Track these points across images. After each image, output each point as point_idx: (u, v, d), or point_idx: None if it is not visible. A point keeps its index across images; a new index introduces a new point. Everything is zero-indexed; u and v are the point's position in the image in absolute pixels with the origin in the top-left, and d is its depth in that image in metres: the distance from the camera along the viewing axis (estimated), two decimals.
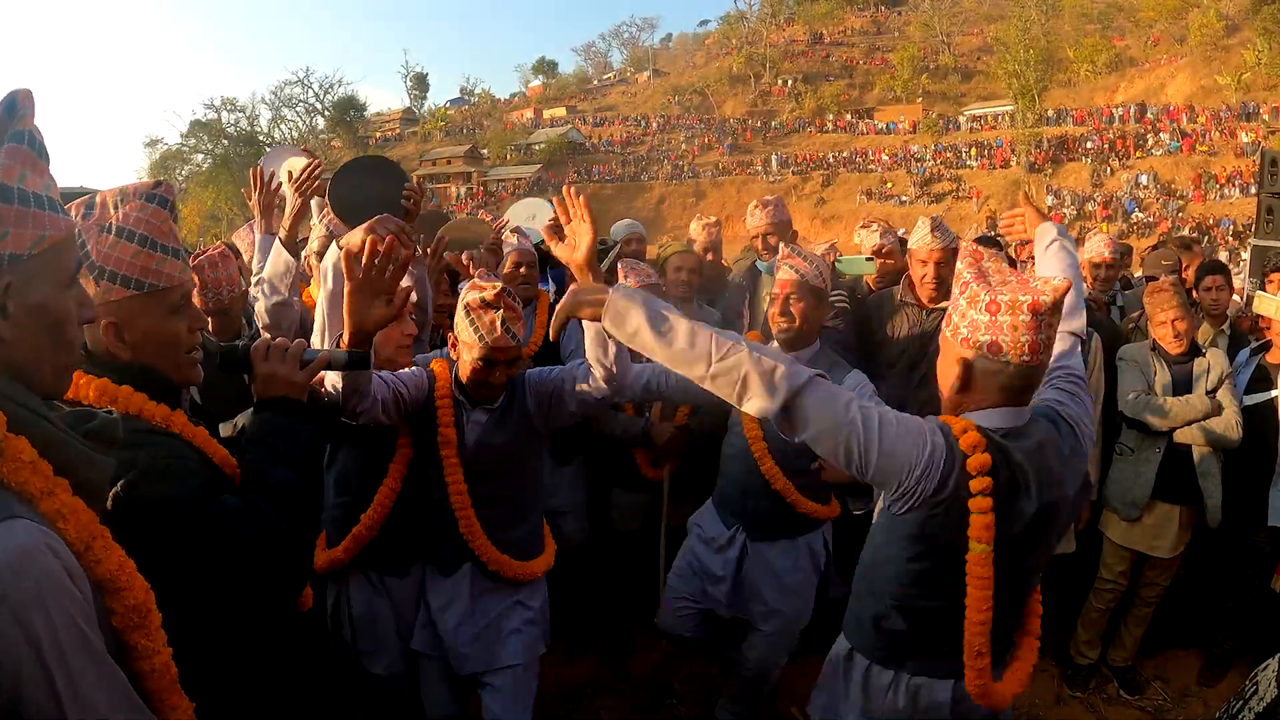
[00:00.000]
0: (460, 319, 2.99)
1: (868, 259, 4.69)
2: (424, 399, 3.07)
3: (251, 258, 4.20)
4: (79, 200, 1.88)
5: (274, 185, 3.98)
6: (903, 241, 5.14)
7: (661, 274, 4.54)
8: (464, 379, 3.08)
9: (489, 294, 2.90)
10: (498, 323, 2.90)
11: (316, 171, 3.70)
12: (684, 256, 4.67)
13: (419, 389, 3.05)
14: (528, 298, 4.38)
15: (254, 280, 3.77)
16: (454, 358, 3.14)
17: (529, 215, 5.88)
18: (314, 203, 4.00)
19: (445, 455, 3.09)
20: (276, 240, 3.56)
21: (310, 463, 2.07)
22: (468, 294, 2.97)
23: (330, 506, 3.25)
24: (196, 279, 3.80)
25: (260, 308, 3.50)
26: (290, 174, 3.79)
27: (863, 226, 5.34)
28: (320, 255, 3.84)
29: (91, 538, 1.34)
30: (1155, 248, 6.75)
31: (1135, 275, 7.02)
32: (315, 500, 2.13)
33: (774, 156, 63.14)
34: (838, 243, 5.59)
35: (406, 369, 3.09)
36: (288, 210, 3.61)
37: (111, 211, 1.85)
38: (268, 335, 3.24)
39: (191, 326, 1.98)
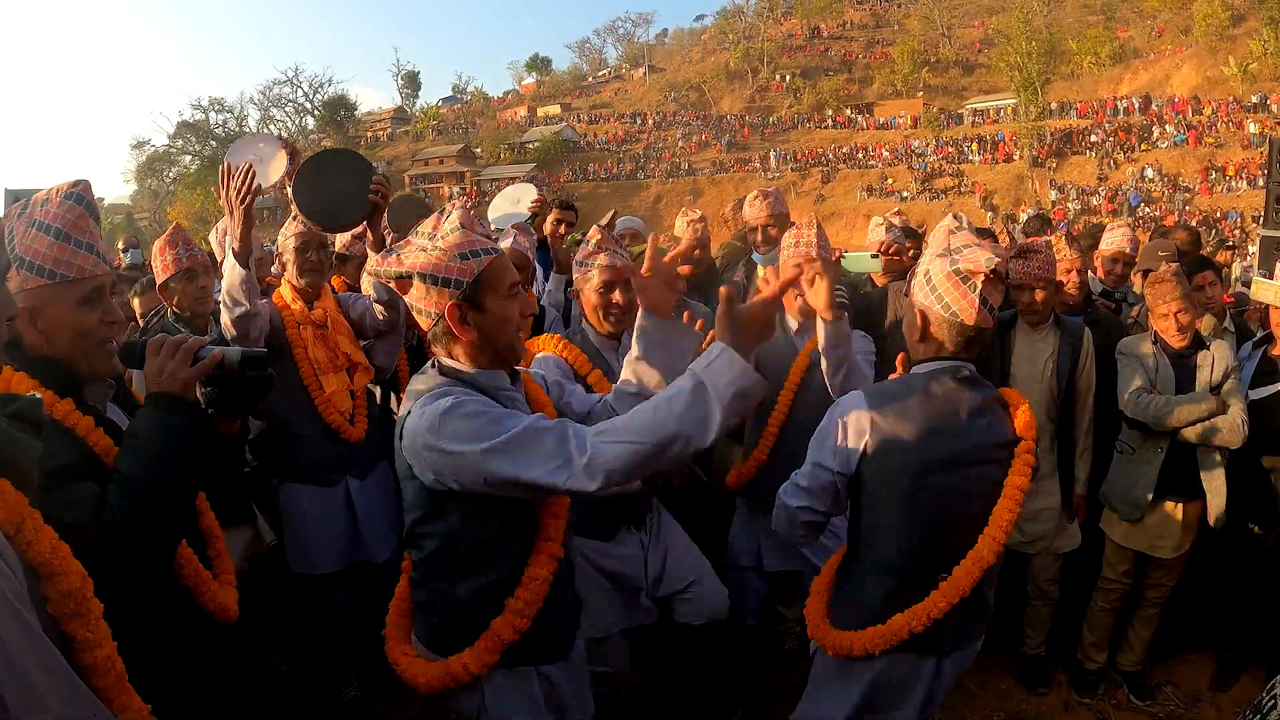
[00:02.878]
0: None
1: (873, 255, 4.48)
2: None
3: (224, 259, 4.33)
4: (20, 202, 2.05)
5: (247, 177, 3.78)
6: (912, 233, 5.37)
7: None
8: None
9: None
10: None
11: (250, 182, 3.41)
12: None
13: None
14: None
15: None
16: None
17: (514, 199, 5.82)
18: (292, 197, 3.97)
19: None
20: (229, 251, 3.43)
21: (179, 461, 2.04)
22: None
23: (443, 597, 2.35)
24: (169, 245, 3.97)
25: (225, 320, 3.42)
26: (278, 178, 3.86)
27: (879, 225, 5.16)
28: (298, 250, 3.89)
29: (21, 519, 1.36)
30: (1152, 237, 6.70)
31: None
32: (179, 498, 2.07)
33: (772, 153, 63.16)
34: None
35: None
36: (234, 224, 3.43)
37: (38, 209, 2.00)
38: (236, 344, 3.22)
39: (104, 319, 2.07)
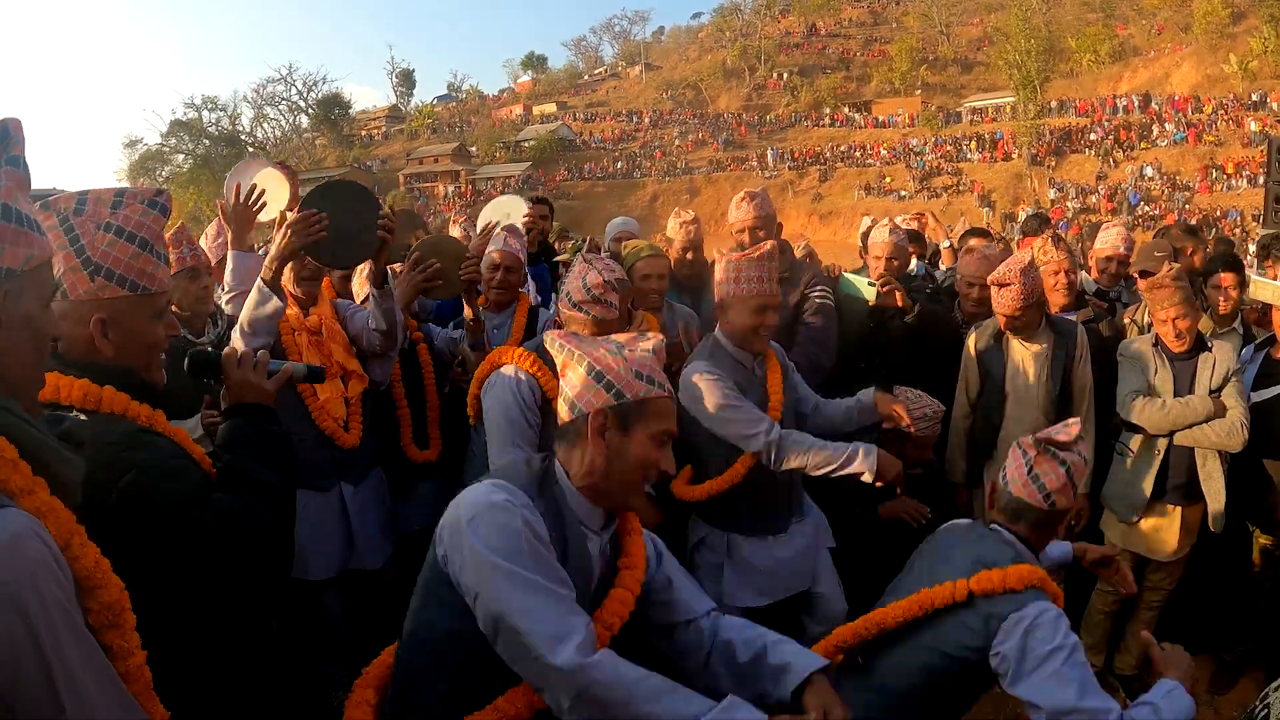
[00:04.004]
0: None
1: (870, 283, 4.57)
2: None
3: (218, 259, 4.40)
4: (66, 195, 1.97)
5: (253, 202, 3.97)
6: (916, 237, 5.61)
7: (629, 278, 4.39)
8: None
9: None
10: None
11: (321, 224, 3.43)
12: (651, 262, 4.38)
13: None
14: (504, 302, 4.42)
15: (226, 299, 3.93)
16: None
17: (504, 214, 5.63)
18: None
19: None
20: (260, 281, 3.42)
21: (288, 464, 2.24)
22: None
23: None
24: (173, 245, 3.84)
25: (240, 348, 3.31)
26: (278, 212, 3.88)
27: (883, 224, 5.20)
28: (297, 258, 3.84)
29: (70, 535, 1.41)
30: (1157, 235, 6.71)
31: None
32: (293, 498, 2.27)
33: (770, 151, 63.07)
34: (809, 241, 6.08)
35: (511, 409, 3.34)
36: (276, 251, 3.43)
37: (108, 211, 1.95)
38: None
39: (168, 332, 2.12)
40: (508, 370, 3.40)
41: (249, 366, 2.25)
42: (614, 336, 2.17)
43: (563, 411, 2.10)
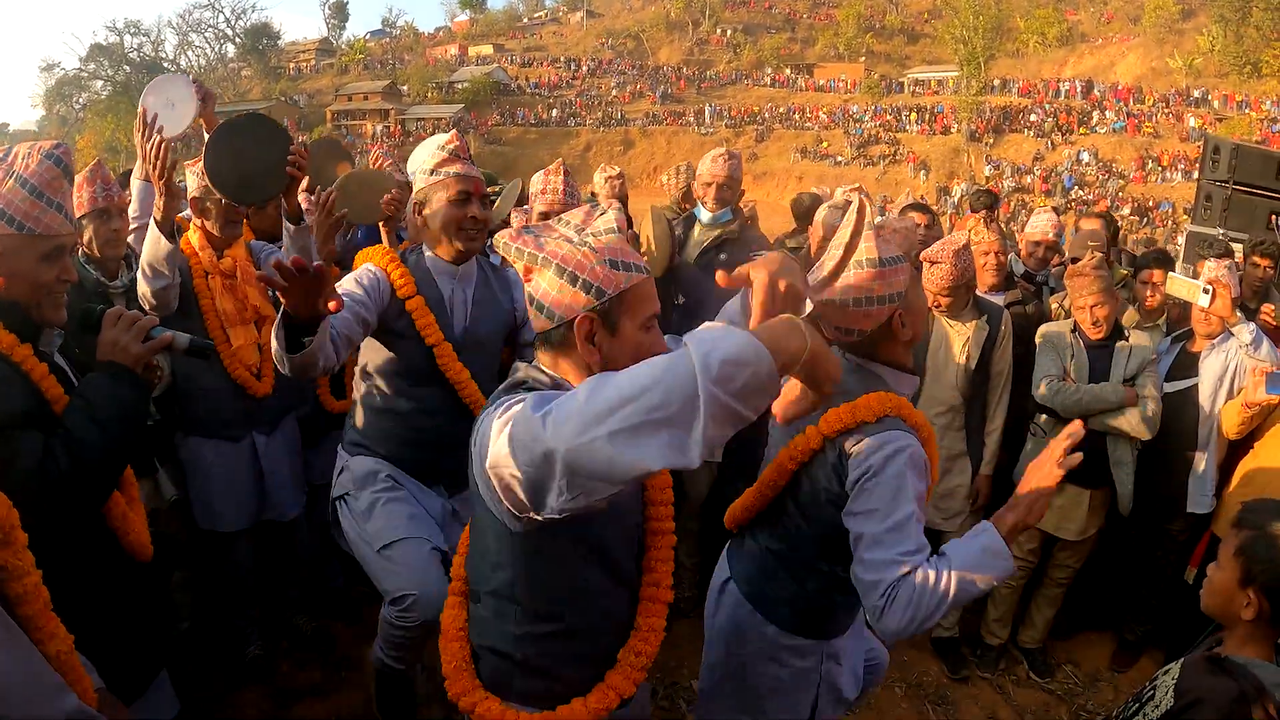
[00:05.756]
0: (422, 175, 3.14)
1: None
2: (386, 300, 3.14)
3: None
4: (4, 149, 2.19)
5: (158, 127, 3.71)
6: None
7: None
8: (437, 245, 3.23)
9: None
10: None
11: (167, 156, 3.35)
12: None
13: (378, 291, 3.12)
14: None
15: (131, 229, 3.85)
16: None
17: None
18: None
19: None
20: (152, 221, 3.37)
21: (124, 430, 2.24)
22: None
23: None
24: (87, 182, 3.74)
25: (145, 290, 3.40)
26: (184, 127, 3.77)
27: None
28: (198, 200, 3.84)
29: None
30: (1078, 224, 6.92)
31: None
32: (118, 463, 2.29)
33: (708, 108, 63.07)
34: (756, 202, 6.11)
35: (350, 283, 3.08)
36: (157, 196, 3.34)
37: (20, 160, 2.14)
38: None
39: (60, 276, 2.21)
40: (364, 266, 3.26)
41: (123, 328, 2.27)
42: (565, 217, 1.94)
43: (537, 320, 1.89)
